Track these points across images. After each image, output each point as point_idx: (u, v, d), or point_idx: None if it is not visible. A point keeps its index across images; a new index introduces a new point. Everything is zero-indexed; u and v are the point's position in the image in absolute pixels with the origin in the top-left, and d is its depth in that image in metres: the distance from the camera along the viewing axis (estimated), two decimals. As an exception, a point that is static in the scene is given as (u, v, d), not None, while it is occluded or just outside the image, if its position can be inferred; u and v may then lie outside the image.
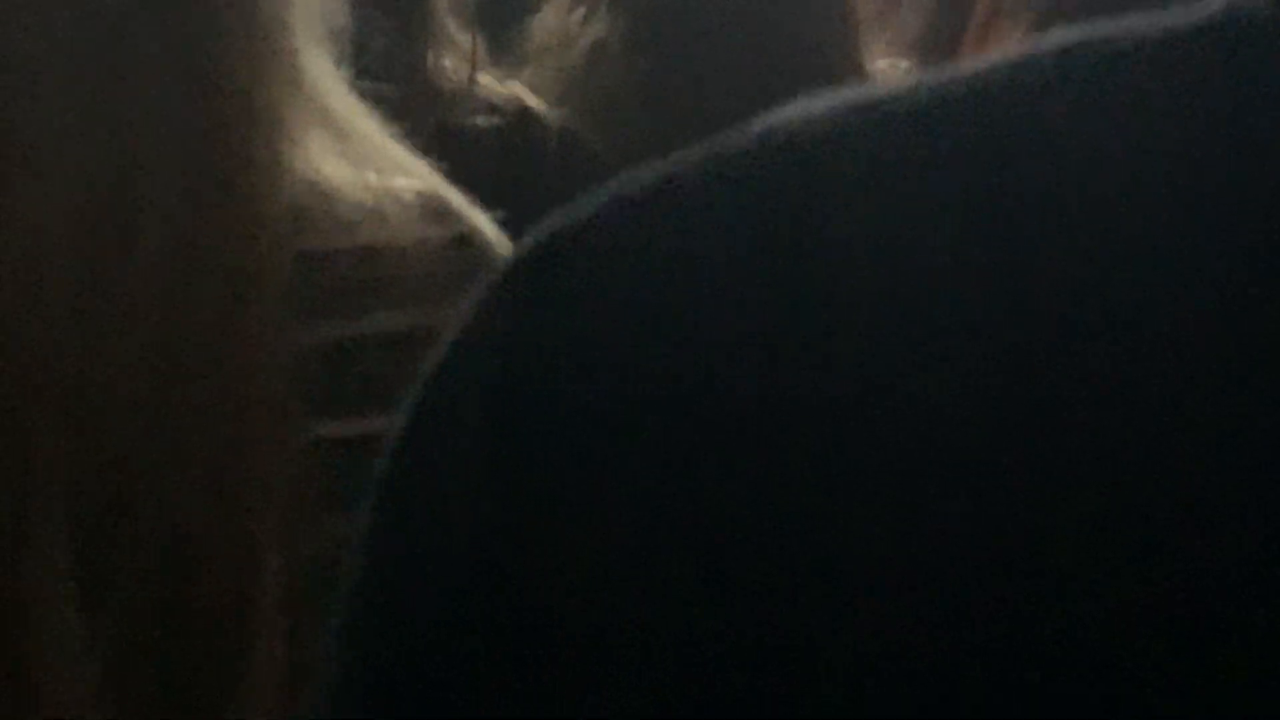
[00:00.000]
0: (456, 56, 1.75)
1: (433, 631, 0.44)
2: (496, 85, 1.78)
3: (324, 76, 1.12)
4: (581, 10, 2.30)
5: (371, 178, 1.13)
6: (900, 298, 0.42)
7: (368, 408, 1.09)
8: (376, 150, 1.14)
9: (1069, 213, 0.41)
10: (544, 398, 0.43)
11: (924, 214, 0.42)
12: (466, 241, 1.14)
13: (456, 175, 1.51)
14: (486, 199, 1.68)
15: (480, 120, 1.73)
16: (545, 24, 2.29)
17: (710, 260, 0.43)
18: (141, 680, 1.04)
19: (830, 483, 0.41)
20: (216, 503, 1.05)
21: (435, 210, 1.14)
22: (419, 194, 1.14)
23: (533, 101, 1.82)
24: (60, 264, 1.03)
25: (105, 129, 1.04)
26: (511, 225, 1.72)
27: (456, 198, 1.16)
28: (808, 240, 0.43)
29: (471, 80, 1.73)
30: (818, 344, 0.42)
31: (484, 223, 1.16)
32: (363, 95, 1.34)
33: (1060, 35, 0.44)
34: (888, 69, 2.44)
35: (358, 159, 1.13)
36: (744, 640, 0.40)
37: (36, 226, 1.03)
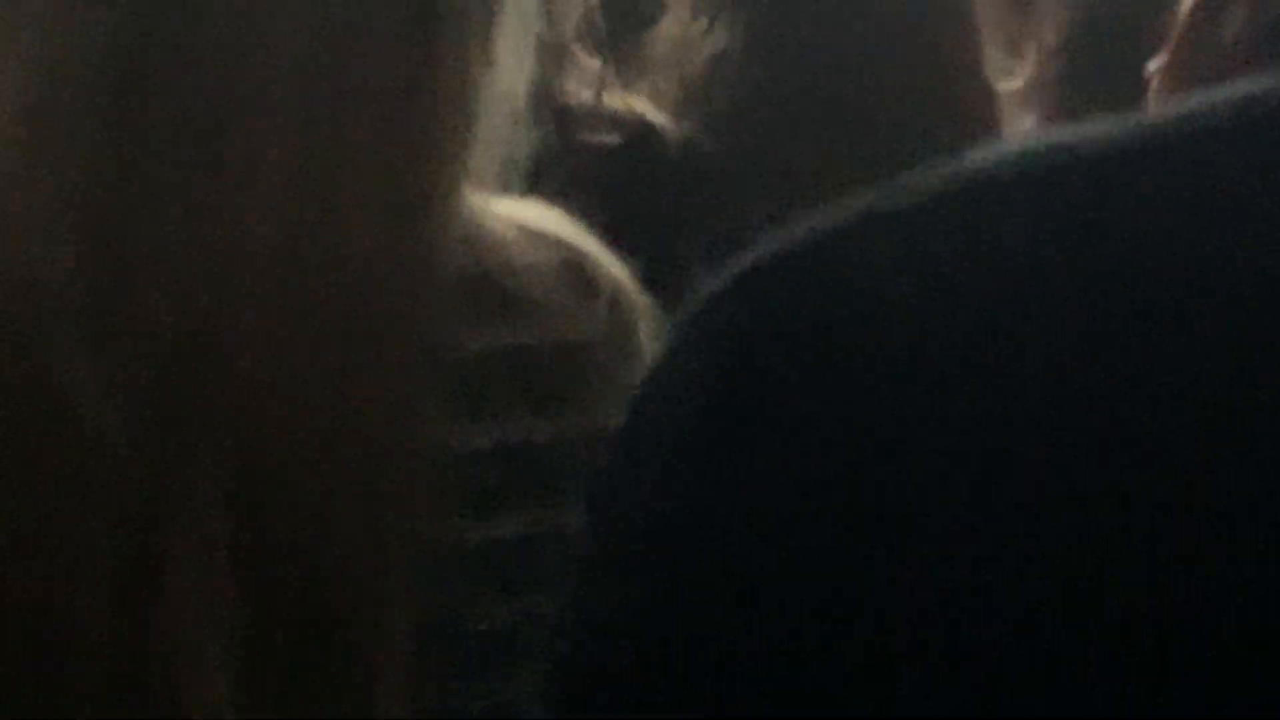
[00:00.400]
0: (580, 75, 1.75)
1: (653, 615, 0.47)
2: (620, 101, 1.78)
3: (494, 108, 1.19)
4: (702, 20, 2.30)
5: (500, 204, 1.20)
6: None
7: (493, 419, 1.14)
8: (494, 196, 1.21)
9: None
10: (754, 417, 0.47)
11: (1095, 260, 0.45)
12: (578, 266, 1.20)
13: (582, 193, 1.52)
14: (611, 216, 1.69)
15: (604, 137, 1.74)
16: (665, 34, 2.29)
17: (908, 287, 0.47)
18: (274, 681, 1.07)
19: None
20: (359, 505, 1.09)
21: (548, 237, 1.20)
22: (533, 222, 1.21)
23: (657, 117, 1.82)
24: (263, 260, 1.07)
25: (318, 149, 1.09)
26: (636, 240, 1.74)
27: (569, 226, 1.23)
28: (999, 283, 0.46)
29: (598, 98, 1.74)
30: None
31: (599, 249, 1.23)
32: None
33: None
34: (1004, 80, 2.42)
35: (494, 190, 1.20)
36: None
37: (247, 228, 1.07)
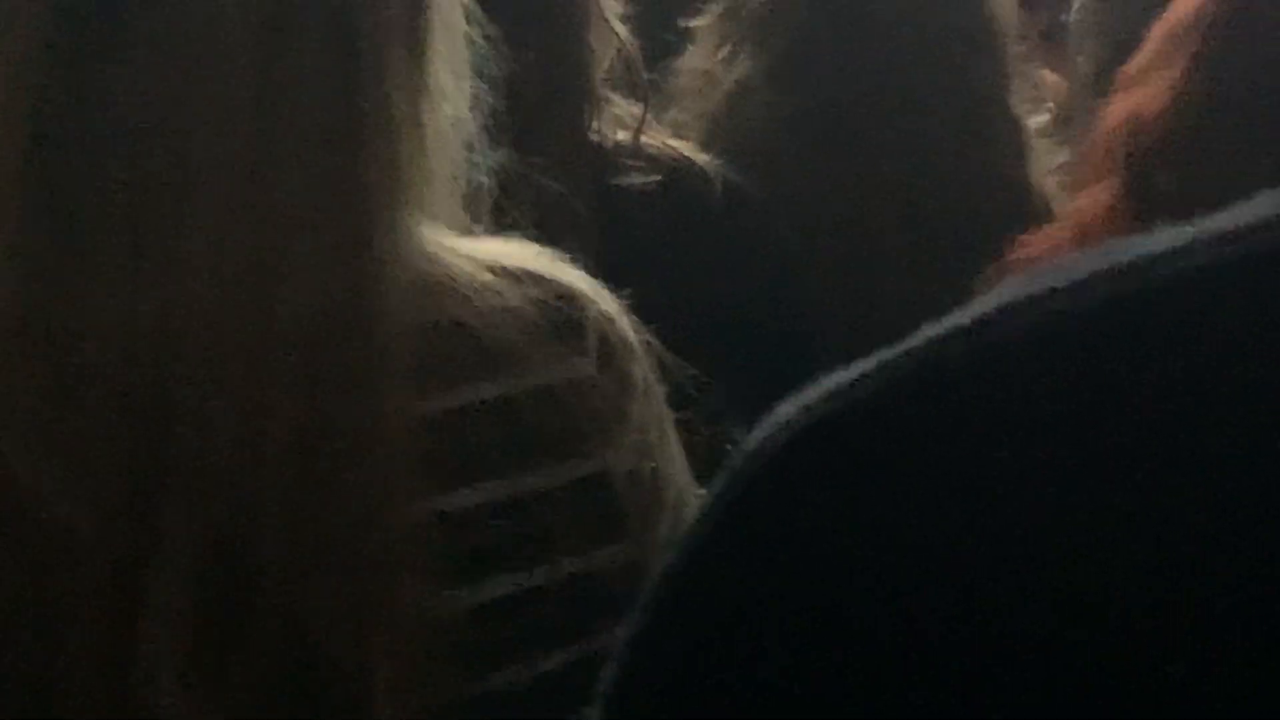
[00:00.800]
0: (614, 115, 1.74)
1: None
2: (658, 141, 1.77)
3: (442, 140, 1.13)
4: (726, 50, 2.29)
5: (473, 245, 1.14)
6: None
7: (477, 478, 1.09)
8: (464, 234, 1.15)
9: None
10: (815, 571, 0.45)
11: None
12: (562, 304, 1.14)
13: (621, 233, 1.50)
14: (652, 255, 1.67)
15: (643, 177, 1.72)
16: (689, 65, 2.28)
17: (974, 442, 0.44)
18: None
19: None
20: (339, 573, 1.05)
21: (529, 275, 1.14)
22: (513, 262, 1.14)
23: (696, 156, 1.80)
24: (202, 323, 1.03)
25: (252, 196, 1.04)
26: (677, 281, 1.72)
27: (554, 261, 1.16)
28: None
29: (636, 138, 1.72)
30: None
31: (584, 282, 1.16)
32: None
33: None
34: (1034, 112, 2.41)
35: (460, 226, 1.14)
36: None
37: (182, 290, 1.03)
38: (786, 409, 0.47)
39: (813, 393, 0.47)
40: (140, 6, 1.04)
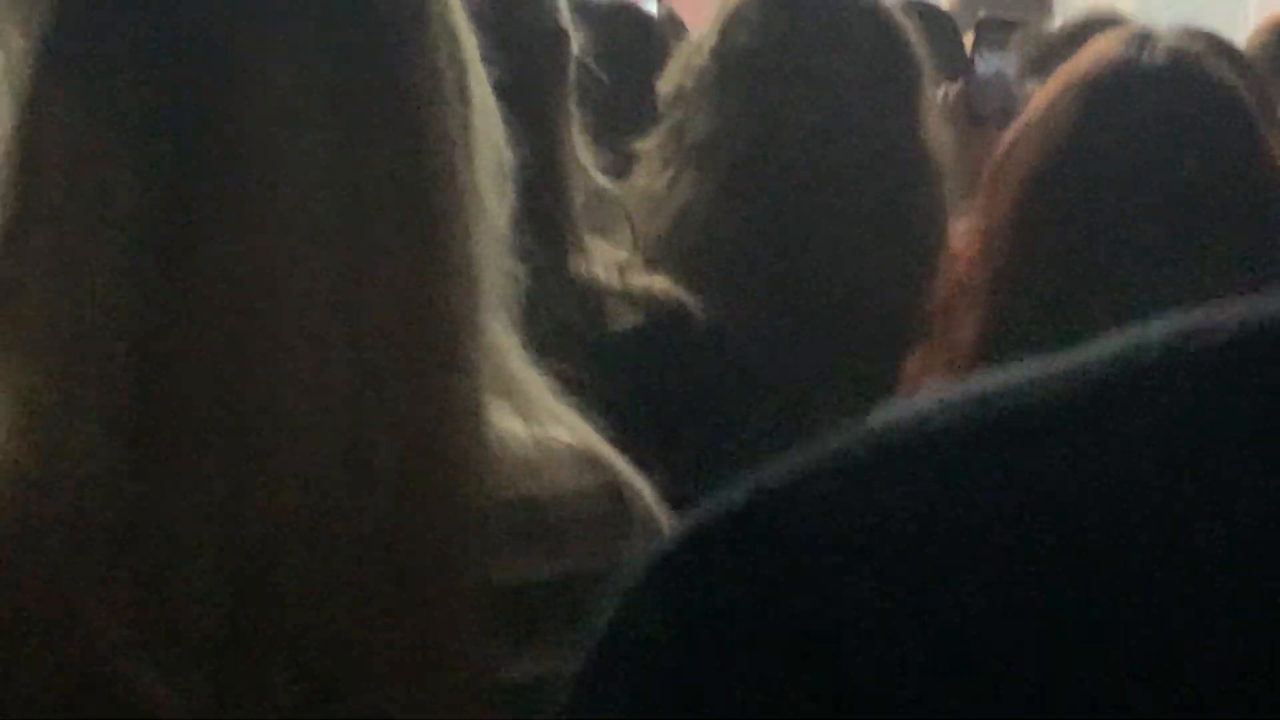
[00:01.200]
0: (594, 257, 1.77)
1: None
2: (640, 281, 1.80)
3: (501, 331, 1.17)
4: (670, 173, 2.32)
5: (532, 428, 1.18)
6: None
7: (532, 653, 1.13)
8: (534, 400, 1.19)
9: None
10: (714, 662, 0.48)
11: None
12: (616, 491, 1.20)
13: (605, 376, 1.53)
14: (637, 397, 1.70)
15: (627, 320, 1.75)
16: (635, 187, 2.31)
17: (848, 548, 0.47)
18: None
19: None
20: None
21: (588, 460, 1.19)
22: (573, 444, 1.19)
23: (682, 295, 1.84)
24: (300, 508, 1.07)
25: (345, 377, 1.08)
26: (662, 421, 1.75)
27: (606, 448, 1.21)
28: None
29: (623, 280, 1.76)
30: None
31: (632, 473, 1.22)
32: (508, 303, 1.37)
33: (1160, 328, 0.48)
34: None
35: (521, 410, 1.18)
36: None
37: (279, 473, 1.07)
38: (707, 504, 0.50)
39: (728, 492, 0.50)
40: (225, 189, 1.07)
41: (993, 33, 3.12)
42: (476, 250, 1.13)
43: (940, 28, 3.45)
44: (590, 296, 1.72)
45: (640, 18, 3.05)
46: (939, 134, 2.37)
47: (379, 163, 1.09)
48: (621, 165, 2.28)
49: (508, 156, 1.19)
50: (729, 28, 2.34)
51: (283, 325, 1.07)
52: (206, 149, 1.07)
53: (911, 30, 2.39)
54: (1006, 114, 2.78)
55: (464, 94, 1.14)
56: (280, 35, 1.08)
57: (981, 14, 3.34)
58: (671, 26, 3.35)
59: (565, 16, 1.88)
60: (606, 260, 1.77)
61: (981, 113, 3.00)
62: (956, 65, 3.17)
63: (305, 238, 1.08)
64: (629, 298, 1.76)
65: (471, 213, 1.13)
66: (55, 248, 1.06)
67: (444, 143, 1.12)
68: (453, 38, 1.14)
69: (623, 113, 2.21)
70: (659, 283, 1.82)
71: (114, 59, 1.07)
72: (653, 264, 2.02)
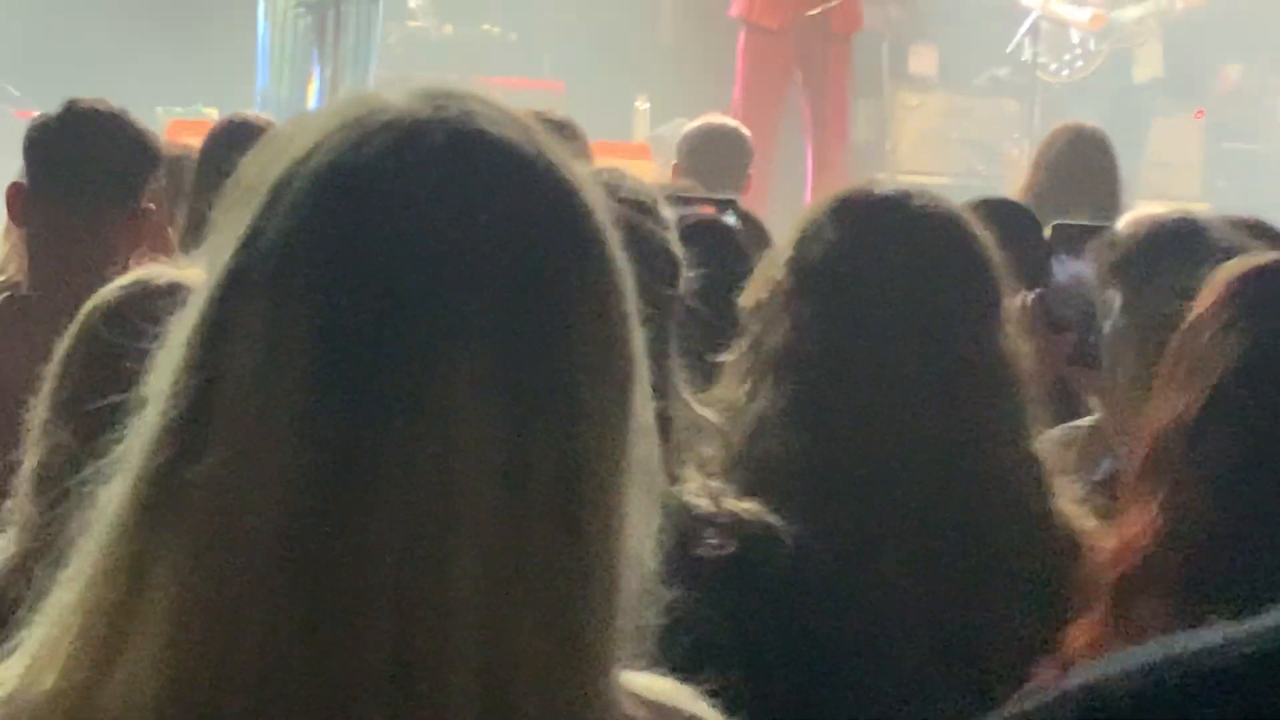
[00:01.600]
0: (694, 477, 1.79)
1: None
2: (735, 504, 1.82)
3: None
4: (748, 385, 2.32)
5: (631, 679, 1.20)
6: None
7: None
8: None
9: None
10: None
11: None
12: None
13: (697, 599, 1.54)
14: (727, 619, 1.71)
15: (719, 543, 1.77)
16: (718, 396, 2.31)
17: None
18: None
19: None
20: None
21: (665, 709, 1.22)
22: (673, 699, 1.22)
23: (773, 519, 1.85)
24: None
25: (500, 636, 1.13)
26: (750, 641, 1.76)
27: (696, 699, 1.24)
28: None
29: (717, 504, 1.77)
30: None
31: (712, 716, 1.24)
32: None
33: None
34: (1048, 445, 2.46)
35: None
36: None
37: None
38: None
39: None
40: (390, 452, 1.09)
41: (1070, 238, 3.13)
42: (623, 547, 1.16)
43: (1020, 225, 3.45)
44: (684, 523, 1.73)
45: (722, 230, 3.09)
46: (1017, 344, 2.37)
47: (543, 443, 1.12)
48: (705, 377, 2.30)
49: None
50: (803, 240, 2.35)
51: (434, 601, 1.10)
52: (384, 411, 1.10)
53: (989, 240, 2.39)
54: (1087, 319, 2.78)
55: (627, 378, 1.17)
56: (463, 309, 1.11)
57: (1056, 221, 3.34)
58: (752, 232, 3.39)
59: (677, 244, 1.89)
60: (697, 487, 1.79)
61: (1061, 319, 3.00)
62: (1037, 265, 3.15)
63: (466, 505, 1.10)
64: (724, 523, 1.77)
65: (624, 505, 1.16)
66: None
67: (604, 425, 1.14)
68: (624, 320, 1.17)
69: (706, 327, 2.22)
70: (750, 508, 1.82)
71: (298, 292, 1.10)
72: (726, 474, 2.03)
